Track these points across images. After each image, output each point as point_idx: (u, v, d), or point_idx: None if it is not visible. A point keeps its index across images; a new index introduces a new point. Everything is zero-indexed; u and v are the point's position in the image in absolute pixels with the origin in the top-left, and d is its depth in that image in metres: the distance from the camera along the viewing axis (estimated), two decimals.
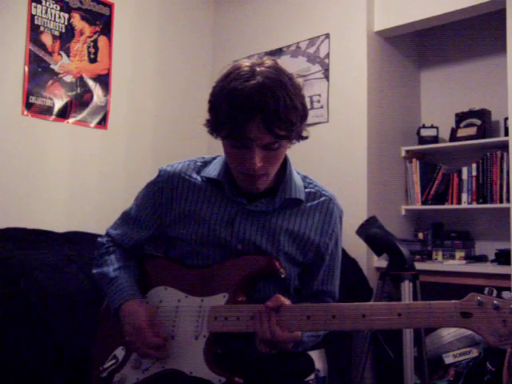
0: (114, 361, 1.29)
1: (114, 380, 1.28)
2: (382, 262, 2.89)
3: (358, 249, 2.95)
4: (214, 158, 1.38)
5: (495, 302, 0.99)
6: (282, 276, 1.23)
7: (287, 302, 1.17)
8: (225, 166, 1.30)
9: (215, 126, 1.20)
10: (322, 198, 1.34)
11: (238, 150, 1.17)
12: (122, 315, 1.28)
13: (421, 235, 3.29)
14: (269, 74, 1.14)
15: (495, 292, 1.01)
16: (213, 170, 1.33)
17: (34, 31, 3.01)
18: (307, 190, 1.34)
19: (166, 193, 1.34)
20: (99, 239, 1.46)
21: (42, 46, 3.05)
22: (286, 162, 1.31)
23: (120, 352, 1.30)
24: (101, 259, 1.40)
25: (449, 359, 2.79)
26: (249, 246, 1.28)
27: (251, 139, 1.14)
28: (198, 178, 1.34)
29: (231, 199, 1.29)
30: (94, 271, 1.40)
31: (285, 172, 1.30)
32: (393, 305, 1.08)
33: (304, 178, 1.37)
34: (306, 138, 1.25)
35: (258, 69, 1.15)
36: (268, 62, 1.18)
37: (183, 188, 1.34)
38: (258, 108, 1.11)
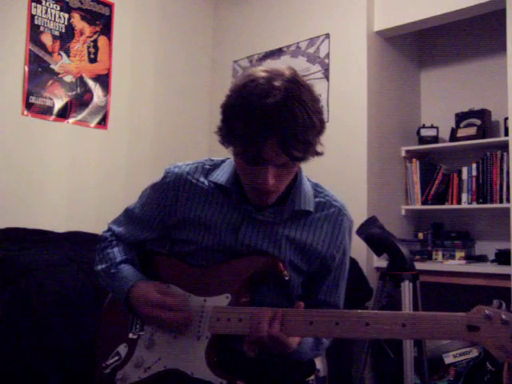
0: (117, 357, 1.29)
1: (116, 377, 1.28)
2: (382, 262, 2.89)
3: (358, 249, 2.94)
4: (223, 161, 1.34)
5: (504, 316, 0.95)
6: (286, 278, 1.20)
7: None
8: (234, 172, 1.26)
9: (228, 138, 1.15)
10: (332, 210, 1.30)
11: (251, 166, 1.13)
12: (133, 298, 1.25)
13: (421, 235, 3.29)
14: (288, 89, 1.07)
15: (504, 305, 0.97)
16: (221, 176, 1.29)
17: (34, 31, 3.01)
18: (317, 199, 1.30)
19: (171, 195, 1.32)
20: (103, 233, 1.43)
21: (42, 46, 3.04)
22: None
23: (123, 349, 1.29)
24: (103, 252, 1.38)
25: (449, 359, 2.79)
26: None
27: (266, 159, 1.10)
28: (206, 182, 1.31)
29: (238, 206, 1.27)
30: (99, 267, 1.37)
31: (295, 181, 1.26)
32: (397, 314, 1.04)
33: (315, 185, 1.33)
34: (322, 154, 1.19)
35: (276, 83, 1.08)
36: (286, 72, 1.11)
37: (189, 191, 1.31)
38: (275, 128, 1.05)
